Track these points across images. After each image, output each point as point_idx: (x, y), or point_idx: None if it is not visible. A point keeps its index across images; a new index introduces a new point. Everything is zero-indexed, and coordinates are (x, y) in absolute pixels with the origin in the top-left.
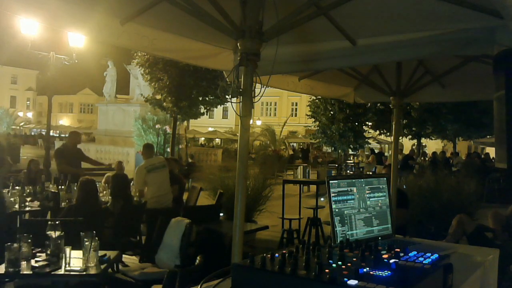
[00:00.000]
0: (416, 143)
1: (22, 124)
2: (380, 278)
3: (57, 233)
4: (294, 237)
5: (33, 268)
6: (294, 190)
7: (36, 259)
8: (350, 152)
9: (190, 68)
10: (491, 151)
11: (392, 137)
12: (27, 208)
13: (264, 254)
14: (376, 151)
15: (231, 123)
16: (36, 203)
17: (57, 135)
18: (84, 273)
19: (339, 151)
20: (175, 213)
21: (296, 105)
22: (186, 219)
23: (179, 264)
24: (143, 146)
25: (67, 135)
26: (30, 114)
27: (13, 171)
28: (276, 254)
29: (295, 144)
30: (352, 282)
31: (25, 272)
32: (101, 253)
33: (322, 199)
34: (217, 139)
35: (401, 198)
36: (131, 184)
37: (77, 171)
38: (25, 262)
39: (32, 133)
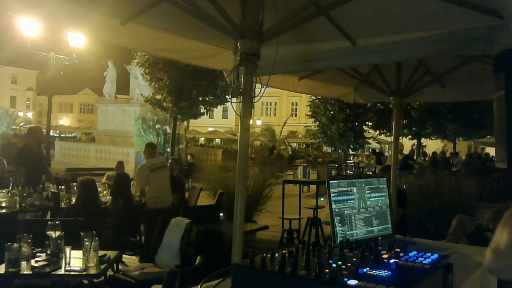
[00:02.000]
0: (416, 143)
1: (22, 124)
2: (380, 278)
3: (57, 233)
4: (294, 237)
5: (33, 268)
6: (294, 190)
7: (36, 259)
8: (350, 152)
9: (190, 68)
10: (491, 151)
11: (392, 137)
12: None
13: (264, 254)
14: (376, 151)
15: (231, 123)
16: (36, 203)
17: (57, 135)
18: (84, 273)
19: (339, 151)
20: (175, 213)
21: (296, 105)
22: (186, 219)
23: (179, 264)
24: (146, 145)
25: (67, 135)
26: (30, 114)
27: (12, 171)
28: (276, 254)
29: (295, 144)
30: (352, 282)
31: (25, 272)
32: (101, 253)
33: (322, 199)
34: (217, 139)
35: (400, 197)
36: (131, 183)
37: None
38: (25, 262)
39: None
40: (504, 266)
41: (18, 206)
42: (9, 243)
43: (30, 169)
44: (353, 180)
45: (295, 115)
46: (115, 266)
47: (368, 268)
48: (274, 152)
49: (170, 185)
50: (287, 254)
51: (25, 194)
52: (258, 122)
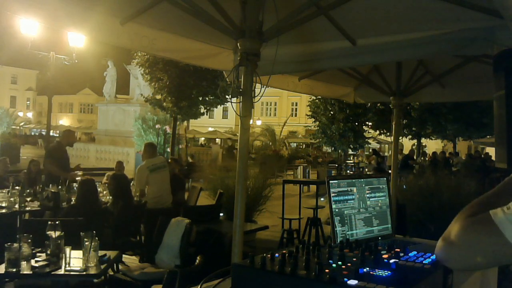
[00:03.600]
0: (416, 143)
1: (22, 124)
2: (380, 278)
3: (57, 233)
4: (294, 237)
5: (33, 268)
6: (294, 190)
7: (36, 259)
8: (350, 152)
9: (190, 68)
10: (491, 151)
11: (392, 137)
12: (27, 208)
13: (264, 254)
14: (376, 150)
15: (231, 123)
16: (36, 203)
17: (57, 135)
18: (84, 273)
19: (339, 151)
20: (175, 213)
21: (296, 105)
22: (186, 219)
23: (179, 264)
24: (145, 144)
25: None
26: (30, 114)
27: (12, 171)
28: (276, 254)
29: (295, 144)
30: (352, 282)
31: (25, 272)
32: (101, 253)
33: (322, 199)
34: (217, 139)
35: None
36: (131, 184)
37: (65, 175)
38: (25, 262)
39: (32, 133)
40: (451, 256)
41: (18, 206)
42: (9, 243)
43: (55, 165)
44: (353, 180)
45: (295, 115)
46: (115, 266)
47: (368, 268)
48: (234, 152)
49: (172, 184)
50: (287, 254)
51: (25, 194)
52: (258, 122)
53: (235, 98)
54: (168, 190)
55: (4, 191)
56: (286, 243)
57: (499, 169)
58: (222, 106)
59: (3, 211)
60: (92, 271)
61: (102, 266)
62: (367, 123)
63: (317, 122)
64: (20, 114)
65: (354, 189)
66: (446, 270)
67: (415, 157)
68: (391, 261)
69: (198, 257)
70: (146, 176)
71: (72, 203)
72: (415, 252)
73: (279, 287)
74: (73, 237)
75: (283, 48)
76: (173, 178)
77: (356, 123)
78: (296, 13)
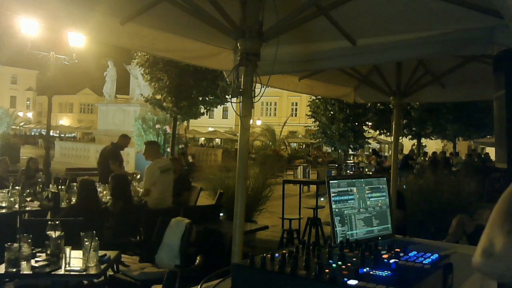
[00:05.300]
0: (416, 143)
1: (22, 124)
2: (380, 278)
3: (57, 233)
4: (294, 237)
5: (33, 268)
6: (294, 190)
7: (36, 259)
8: (350, 152)
9: (190, 68)
10: (491, 151)
11: (392, 137)
12: (27, 208)
13: (264, 254)
14: (376, 150)
15: (231, 123)
16: (36, 203)
17: (57, 135)
18: (84, 273)
19: (339, 151)
20: (175, 213)
21: (296, 105)
22: (186, 219)
23: (179, 264)
24: (148, 143)
25: (67, 135)
26: (30, 114)
27: (12, 171)
28: (276, 254)
29: (295, 144)
30: (352, 282)
31: (25, 272)
32: (101, 253)
33: (322, 199)
34: (217, 139)
35: (399, 199)
36: (131, 183)
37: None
38: (25, 262)
39: (32, 133)
40: (497, 270)
41: (18, 206)
42: (9, 243)
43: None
44: (353, 180)
45: (295, 115)
46: (115, 266)
47: (368, 268)
48: (184, 156)
49: (179, 185)
50: (287, 254)
51: (25, 194)
52: (258, 122)
53: (235, 98)
54: (171, 192)
55: (4, 191)
56: (286, 243)
57: (499, 169)
58: (222, 106)
59: (3, 211)
60: (92, 271)
61: (102, 266)
62: (367, 123)
63: (317, 122)
64: (20, 114)
65: (354, 189)
66: (446, 270)
67: (415, 157)
68: (391, 261)
69: (198, 257)
70: (156, 176)
71: (72, 203)
72: (415, 252)
73: (279, 287)
74: (73, 237)
75: (283, 48)
76: (179, 178)
77: (356, 123)
78: (296, 13)
